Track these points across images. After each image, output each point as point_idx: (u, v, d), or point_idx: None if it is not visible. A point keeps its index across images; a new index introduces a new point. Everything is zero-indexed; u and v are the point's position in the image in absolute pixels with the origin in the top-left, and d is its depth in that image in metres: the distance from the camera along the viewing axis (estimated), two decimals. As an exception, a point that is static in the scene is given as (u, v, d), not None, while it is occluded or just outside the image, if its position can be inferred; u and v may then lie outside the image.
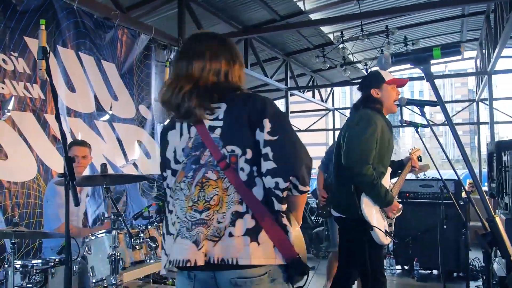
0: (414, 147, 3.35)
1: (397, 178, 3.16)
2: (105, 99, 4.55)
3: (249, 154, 1.52)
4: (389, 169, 2.97)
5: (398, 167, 3.17)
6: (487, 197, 1.43)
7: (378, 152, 2.77)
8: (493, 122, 9.72)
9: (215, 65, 1.64)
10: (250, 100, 1.56)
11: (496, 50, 6.90)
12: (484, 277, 4.81)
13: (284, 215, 1.54)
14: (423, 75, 1.52)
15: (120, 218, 2.53)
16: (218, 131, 1.55)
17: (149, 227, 2.82)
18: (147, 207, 3.05)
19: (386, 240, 2.77)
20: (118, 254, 2.49)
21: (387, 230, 2.80)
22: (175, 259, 1.50)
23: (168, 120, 1.78)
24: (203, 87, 1.59)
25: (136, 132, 4.97)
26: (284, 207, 1.53)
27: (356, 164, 2.68)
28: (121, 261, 2.52)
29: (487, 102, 9.81)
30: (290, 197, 1.55)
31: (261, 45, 8.37)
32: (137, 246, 2.62)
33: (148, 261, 2.69)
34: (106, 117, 4.56)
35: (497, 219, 1.33)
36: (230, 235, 1.46)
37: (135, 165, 4.85)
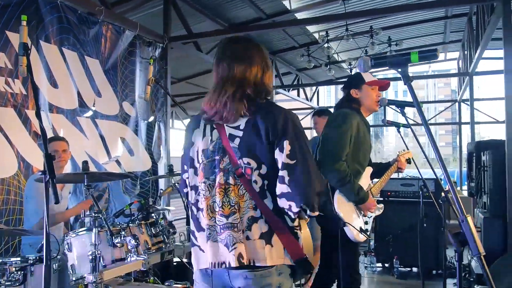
0: (404, 150, 3.36)
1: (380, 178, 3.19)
2: (88, 95, 4.51)
3: (264, 169, 1.62)
4: (370, 169, 3.01)
5: (385, 169, 3.19)
6: (459, 197, 1.46)
7: (353, 150, 2.82)
8: (474, 122, 9.90)
9: (254, 70, 1.72)
10: (271, 115, 1.63)
11: (478, 51, 7.01)
12: (462, 275, 4.90)
13: (297, 228, 1.68)
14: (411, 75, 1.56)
15: (101, 216, 2.51)
16: (237, 141, 1.64)
17: (130, 225, 2.81)
18: (128, 204, 3.03)
19: (360, 238, 2.79)
20: (99, 252, 2.48)
21: (362, 227, 2.82)
22: (211, 261, 1.65)
23: (192, 117, 1.87)
24: (241, 92, 1.67)
25: (120, 129, 4.94)
26: (296, 223, 1.67)
27: (328, 160, 2.74)
28: (101, 259, 2.51)
29: (469, 103, 9.97)
30: (300, 216, 1.67)
31: (247, 43, 8.36)
32: (118, 244, 2.60)
33: (129, 259, 2.68)
34: (89, 113, 4.52)
35: (469, 219, 1.36)
36: (248, 238, 1.61)
37: (118, 162, 4.81)
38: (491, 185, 4.79)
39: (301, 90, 12.30)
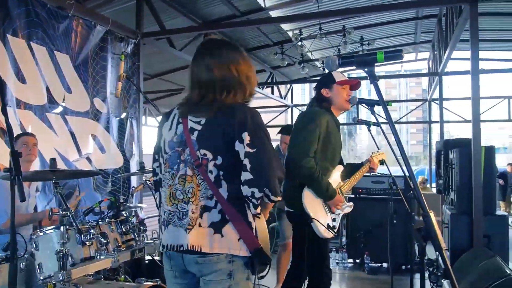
0: (377, 151, 3.41)
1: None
2: (58, 91, 4.42)
3: (219, 160, 1.74)
4: (340, 167, 3.06)
5: (357, 169, 3.23)
6: (428, 194, 1.51)
7: (322, 147, 2.86)
8: (443, 121, 10.11)
9: (229, 70, 1.83)
10: (231, 111, 1.75)
11: (447, 52, 7.18)
12: (430, 269, 5.03)
13: (260, 216, 1.81)
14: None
15: (69, 214, 2.48)
16: (195, 134, 1.77)
17: (100, 223, 2.77)
18: (98, 202, 2.99)
19: (328, 234, 2.83)
20: (67, 250, 2.45)
21: (330, 224, 2.86)
22: (169, 244, 1.77)
23: (164, 114, 1.98)
24: (213, 92, 1.80)
25: (90, 125, 4.86)
26: (258, 211, 1.77)
27: (296, 156, 2.79)
28: (70, 258, 2.48)
29: (438, 102, 10.21)
30: (263, 203, 1.79)
31: (221, 40, 8.34)
32: (87, 242, 2.57)
33: (98, 257, 2.65)
34: (59, 109, 4.43)
35: (432, 215, 1.41)
36: (199, 225, 1.72)
37: (88, 159, 4.74)
38: (458, 182, 4.93)
39: (275, 88, 12.36)
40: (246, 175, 1.69)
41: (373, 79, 1.58)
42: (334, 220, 2.94)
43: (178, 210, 1.77)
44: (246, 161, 1.69)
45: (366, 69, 1.58)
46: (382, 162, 3.32)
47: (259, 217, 1.80)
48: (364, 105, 3.15)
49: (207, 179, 1.73)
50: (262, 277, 1.85)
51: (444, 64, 8.08)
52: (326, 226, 2.81)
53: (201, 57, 1.87)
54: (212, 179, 1.73)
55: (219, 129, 1.74)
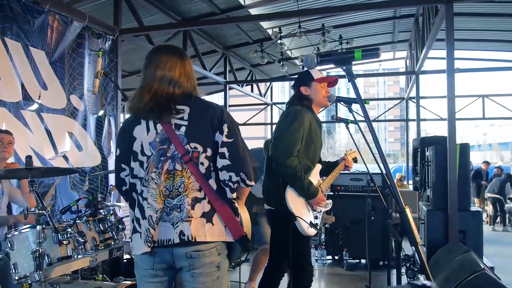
0: (351, 149, 3.48)
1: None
2: (33, 88, 4.33)
3: (209, 152, 1.87)
4: (319, 166, 3.08)
5: (333, 167, 3.28)
6: (404, 190, 1.54)
7: (304, 146, 2.88)
8: (420, 119, 10.29)
9: (173, 75, 1.92)
10: (210, 107, 1.91)
11: (423, 51, 7.31)
12: (407, 265, 5.12)
13: (235, 201, 1.93)
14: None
15: (45, 213, 2.43)
16: (183, 129, 1.86)
17: (77, 221, 2.73)
18: (75, 201, 2.95)
19: (311, 232, 2.87)
20: (43, 249, 2.40)
21: (313, 222, 2.89)
22: (160, 239, 1.82)
23: (129, 116, 2.02)
24: (165, 95, 1.88)
25: (67, 123, 4.78)
26: (234, 195, 1.92)
27: (280, 155, 2.79)
28: (46, 257, 2.43)
29: (415, 100, 10.38)
30: (239, 189, 1.93)
31: (200, 37, 8.31)
32: (64, 242, 2.53)
33: (75, 256, 2.61)
34: (34, 106, 4.35)
35: (408, 211, 1.43)
36: (190, 216, 1.81)
37: (65, 157, 4.66)
38: (434, 179, 5.02)
39: (254, 86, 12.37)
40: (224, 162, 1.85)
41: (351, 77, 1.59)
42: (316, 217, 2.98)
43: (166, 206, 1.84)
44: (224, 150, 1.86)
45: (344, 67, 1.59)
46: (355, 160, 3.41)
47: (235, 201, 1.92)
48: (342, 103, 3.19)
49: (196, 172, 1.83)
50: (238, 263, 1.98)
51: (421, 63, 8.23)
52: (309, 224, 2.84)
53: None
54: (203, 170, 1.85)
55: (207, 122, 1.87)
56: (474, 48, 11.34)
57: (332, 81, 3.10)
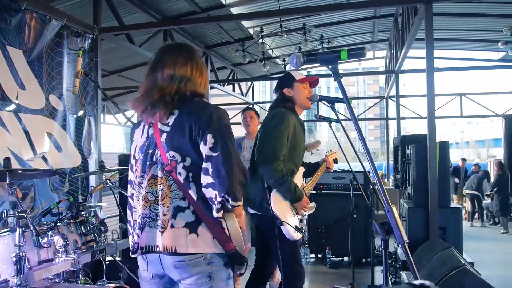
0: (331, 150, 3.48)
1: (311, 178, 3.25)
2: (11, 88, 4.23)
3: (188, 161, 1.74)
4: (302, 168, 3.06)
5: (314, 169, 3.27)
6: (386, 188, 1.55)
7: (289, 149, 2.85)
8: (400, 117, 10.44)
9: (181, 72, 1.83)
10: (197, 112, 1.76)
11: (403, 51, 7.41)
12: (389, 262, 5.19)
13: (221, 219, 1.75)
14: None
15: (25, 216, 2.38)
16: (164, 136, 1.78)
17: (58, 224, 2.68)
18: (56, 203, 2.89)
19: (297, 236, 2.83)
20: (24, 253, 2.35)
21: (298, 225, 2.86)
22: (147, 245, 1.76)
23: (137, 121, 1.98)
24: (168, 95, 1.79)
25: (46, 123, 4.69)
26: (219, 215, 1.72)
27: (267, 160, 2.75)
28: (27, 261, 2.38)
29: (395, 99, 10.52)
30: (225, 207, 1.73)
31: (181, 36, 8.26)
32: (44, 245, 2.48)
33: (57, 259, 2.56)
34: (12, 107, 4.24)
35: (394, 209, 1.45)
36: (172, 226, 1.71)
37: (44, 158, 4.57)
38: (415, 177, 5.10)
39: (236, 85, 12.36)
40: (208, 179, 1.69)
41: (337, 76, 1.60)
42: (301, 221, 2.95)
43: (151, 211, 1.77)
44: (207, 165, 1.69)
45: (330, 67, 1.60)
46: (336, 160, 3.41)
47: (224, 219, 1.75)
48: (325, 102, 3.20)
49: (177, 180, 1.73)
50: (241, 274, 1.88)
51: (400, 62, 8.34)
52: (295, 228, 2.82)
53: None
54: (182, 180, 1.73)
55: (185, 130, 1.73)
56: (453, 47, 11.55)
57: (313, 81, 3.10)
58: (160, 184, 1.75)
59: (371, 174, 4.20)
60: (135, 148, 1.89)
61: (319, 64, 1.68)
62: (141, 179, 1.82)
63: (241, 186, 1.72)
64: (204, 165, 1.70)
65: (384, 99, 12.67)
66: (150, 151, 1.81)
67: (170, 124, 1.78)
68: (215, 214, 1.71)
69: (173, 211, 1.72)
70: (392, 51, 9.93)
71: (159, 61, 1.88)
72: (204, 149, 1.70)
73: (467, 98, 12.26)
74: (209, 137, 1.70)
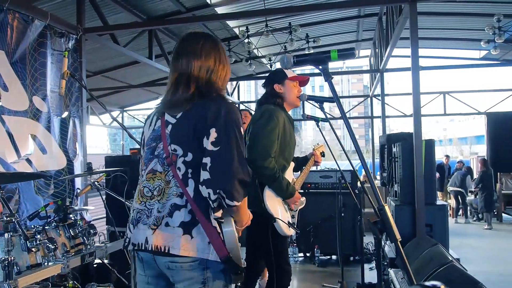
0: (318, 144, 3.53)
1: (300, 172, 3.32)
2: (-7, 90, 4.17)
3: (189, 157, 1.66)
4: (292, 164, 3.11)
5: (303, 163, 3.33)
6: (375, 187, 1.57)
7: (280, 145, 2.89)
8: (385, 116, 10.54)
9: (207, 66, 1.77)
10: (206, 105, 1.67)
11: (387, 50, 7.48)
12: (381, 259, 5.23)
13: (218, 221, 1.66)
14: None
15: (13, 220, 2.34)
16: (169, 128, 1.71)
17: (46, 227, 2.66)
18: (44, 206, 2.86)
19: (289, 232, 2.88)
20: (12, 258, 2.32)
21: (290, 221, 2.91)
22: (139, 242, 1.68)
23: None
24: (194, 87, 1.73)
25: (30, 125, 4.62)
26: (218, 214, 1.64)
27: (258, 157, 2.77)
28: (15, 266, 2.35)
29: (380, 98, 10.61)
30: (223, 208, 1.63)
31: (166, 36, 8.22)
32: (33, 249, 2.45)
33: (46, 264, 2.53)
34: (-5, 109, 4.18)
35: (386, 208, 1.47)
36: (167, 224, 1.62)
37: (28, 161, 4.51)
38: (401, 175, 5.16)
39: (222, 85, 12.33)
40: (204, 175, 1.59)
41: (328, 76, 1.62)
42: (293, 217, 3.01)
43: (147, 208, 1.69)
44: (207, 160, 1.60)
45: (320, 67, 1.62)
46: (323, 154, 3.48)
47: (222, 222, 1.66)
48: (313, 102, 3.22)
49: (176, 176, 1.65)
50: (239, 285, 1.80)
51: (385, 61, 8.43)
52: (288, 224, 2.85)
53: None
54: (180, 176, 1.64)
55: (191, 123, 1.66)
56: (436, 46, 11.70)
57: (304, 80, 3.13)
58: (159, 179, 1.68)
59: (361, 172, 4.23)
60: (144, 140, 1.85)
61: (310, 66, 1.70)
62: (143, 172, 1.76)
63: (241, 185, 1.60)
64: (204, 159, 1.61)
65: (369, 98, 12.78)
66: (154, 144, 1.75)
67: (177, 116, 1.71)
68: (212, 214, 1.62)
69: (169, 209, 1.63)
70: (377, 50, 10.02)
71: (186, 48, 1.81)
72: (206, 144, 1.62)
73: (450, 96, 12.43)
74: (213, 131, 1.62)
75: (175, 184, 1.65)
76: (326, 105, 3.23)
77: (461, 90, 13.27)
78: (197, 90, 1.73)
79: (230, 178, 1.57)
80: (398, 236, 1.38)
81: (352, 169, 3.13)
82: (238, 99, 13.78)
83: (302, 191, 5.93)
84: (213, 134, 1.62)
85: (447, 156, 13.12)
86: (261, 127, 2.86)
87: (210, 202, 1.59)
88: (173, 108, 1.73)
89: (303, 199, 3.14)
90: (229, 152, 1.61)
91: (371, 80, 12.26)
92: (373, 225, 1.42)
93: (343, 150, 3.12)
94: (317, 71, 1.66)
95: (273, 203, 2.84)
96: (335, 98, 1.69)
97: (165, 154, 1.69)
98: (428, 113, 13.25)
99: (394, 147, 5.69)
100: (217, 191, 1.56)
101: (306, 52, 9.64)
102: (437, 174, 11.86)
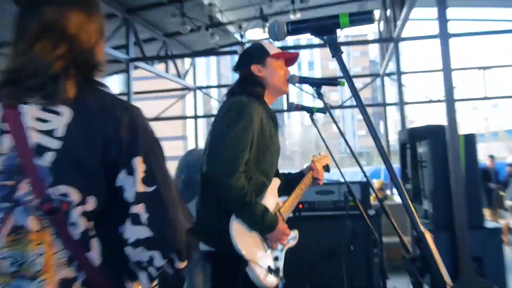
0: (320, 153, 3.44)
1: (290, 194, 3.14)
2: None
3: (91, 204, 1.42)
4: (277, 181, 3.00)
5: (295, 181, 3.21)
6: (393, 204, 1.53)
7: (255, 155, 2.76)
8: (403, 102, 10.48)
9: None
10: (110, 114, 1.45)
11: (404, 11, 7.55)
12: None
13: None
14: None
15: None
16: (49, 157, 1.39)
17: None
18: None
19: (269, 281, 2.74)
20: None
21: (272, 266, 2.79)
22: None
23: None
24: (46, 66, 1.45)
25: None
26: (154, 283, 1.50)
27: (220, 172, 2.62)
28: None
29: (395, 77, 10.69)
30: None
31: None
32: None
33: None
34: None
35: (427, 235, 1.42)
36: None
37: None
38: (433, 187, 5.12)
39: (170, 64, 12.25)
40: (139, 231, 1.44)
41: (336, 51, 1.60)
42: (276, 259, 2.88)
43: None
44: (139, 209, 1.44)
45: (325, 38, 1.60)
46: (327, 168, 3.38)
47: None
48: (306, 86, 3.20)
49: (65, 235, 1.39)
50: None
51: (400, 26, 8.50)
52: (267, 270, 2.74)
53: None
54: (77, 236, 1.40)
55: (94, 146, 1.42)
56: (472, 4, 11.86)
57: (291, 58, 3.11)
58: (38, 243, 1.38)
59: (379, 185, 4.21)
60: None
61: (309, 35, 1.68)
62: None
63: (186, 236, 1.52)
64: (133, 209, 1.44)
65: (379, 78, 12.88)
66: (9, 183, 1.40)
67: (58, 133, 1.41)
68: (145, 283, 1.48)
69: None
70: (388, 10, 10.12)
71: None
72: (131, 183, 1.44)
73: (491, 73, 12.63)
74: (139, 161, 1.45)
75: (62, 246, 1.40)
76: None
77: (507, 64, 13.52)
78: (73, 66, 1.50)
79: (179, 233, 1.49)
80: (448, 281, 1.35)
81: (364, 179, 3.10)
82: (194, 83, 13.72)
83: (291, 215, 5.91)
84: (140, 166, 1.45)
85: (492, 157, 13.27)
86: (227, 127, 2.71)
87: (152, 270, 1.47)
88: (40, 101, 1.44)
89: (295, 233, 3.03)
90: (169, 191, 1.51)
91: (381, 53, 12.37)
92: (411, 263, 1.39)
93: (352, 152, 3.05)
94: (303, 42, 1.64)
95: (245, 239, 2.68)
96: (346, 79, 1.66)
97: (40, 198, 1.38)
98: (463, 97, 13.46)
99: (419, 147, 5.69)
100: (169, 253, 1.47)
101: (291, 16, 9.69)
102: (493, 185, 12.01)
